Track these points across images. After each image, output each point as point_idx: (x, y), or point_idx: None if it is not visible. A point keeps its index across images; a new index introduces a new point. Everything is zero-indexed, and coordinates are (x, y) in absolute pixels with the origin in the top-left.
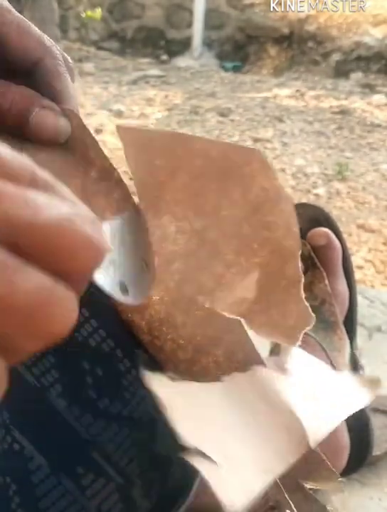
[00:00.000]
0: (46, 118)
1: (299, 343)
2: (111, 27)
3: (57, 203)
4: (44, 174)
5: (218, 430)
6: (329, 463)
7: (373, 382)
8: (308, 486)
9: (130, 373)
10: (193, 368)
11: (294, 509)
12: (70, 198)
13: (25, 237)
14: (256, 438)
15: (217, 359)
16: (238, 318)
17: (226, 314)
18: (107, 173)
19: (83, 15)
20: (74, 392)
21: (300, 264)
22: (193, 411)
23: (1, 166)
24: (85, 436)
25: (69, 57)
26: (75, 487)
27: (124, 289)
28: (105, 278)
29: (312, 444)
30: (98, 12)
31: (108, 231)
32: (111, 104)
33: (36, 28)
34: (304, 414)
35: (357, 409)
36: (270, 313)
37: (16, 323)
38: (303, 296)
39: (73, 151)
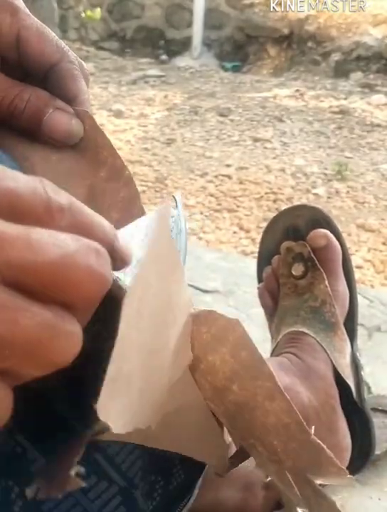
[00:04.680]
0: (59, 119)
1: None
2: (110, 27)
3: (60, 239)
4: (58, 198)
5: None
6: (328, 451)
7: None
8: (317, 481)
9: None
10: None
11: (306, 505)
12: (86, 217)
13: (28, 276)
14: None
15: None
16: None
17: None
18: (117, 172)
19: (83, 15)
20: (76, 395)
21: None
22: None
23: (12, 203)
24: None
25: (84, 63)
26: (77, 489)
27: None
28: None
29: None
30: (98, 12)
31: (137, 230)
32: (111, 104)
33: (53, 32)
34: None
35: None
36: None
37: (17, 356)
38: None
39: (85, 152)
